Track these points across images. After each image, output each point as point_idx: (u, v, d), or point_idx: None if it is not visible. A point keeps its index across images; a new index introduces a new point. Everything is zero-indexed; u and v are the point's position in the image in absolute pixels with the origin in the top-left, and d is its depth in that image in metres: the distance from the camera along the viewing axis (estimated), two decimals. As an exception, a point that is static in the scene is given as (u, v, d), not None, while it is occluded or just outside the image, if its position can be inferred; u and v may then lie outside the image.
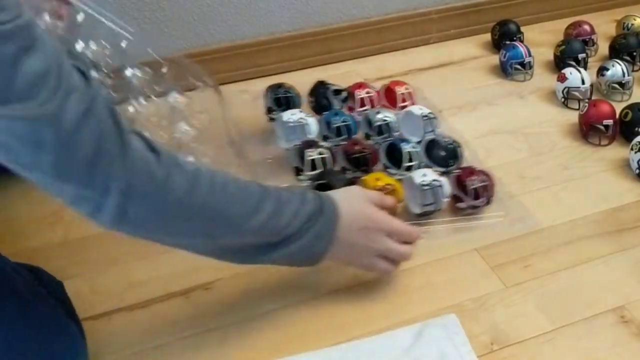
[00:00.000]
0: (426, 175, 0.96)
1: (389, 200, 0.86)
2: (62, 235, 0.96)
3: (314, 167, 0.99)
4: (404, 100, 1.16)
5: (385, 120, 1.08)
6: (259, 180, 0.90)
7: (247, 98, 1.22)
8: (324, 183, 0.95)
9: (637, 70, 1.35)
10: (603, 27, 1.49)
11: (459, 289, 0.87)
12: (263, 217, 0.71)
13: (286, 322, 0.83)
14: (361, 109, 1.14)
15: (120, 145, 0.59)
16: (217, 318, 0.84)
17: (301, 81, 1.28)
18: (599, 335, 0.81)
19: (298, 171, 1.02)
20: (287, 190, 0.77)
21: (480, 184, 0.96)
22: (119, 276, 0.89)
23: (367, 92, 1.16)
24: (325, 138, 1.08)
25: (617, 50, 1.37)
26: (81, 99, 0.56)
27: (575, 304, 0.85)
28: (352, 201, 0.80)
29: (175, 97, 0.99)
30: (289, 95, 1.15)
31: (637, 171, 1.07)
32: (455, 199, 0.97)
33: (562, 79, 1.26)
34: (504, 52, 1.35)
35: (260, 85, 1.22)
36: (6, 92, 0.51)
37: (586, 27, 1.43)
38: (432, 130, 1.07)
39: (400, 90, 1.17)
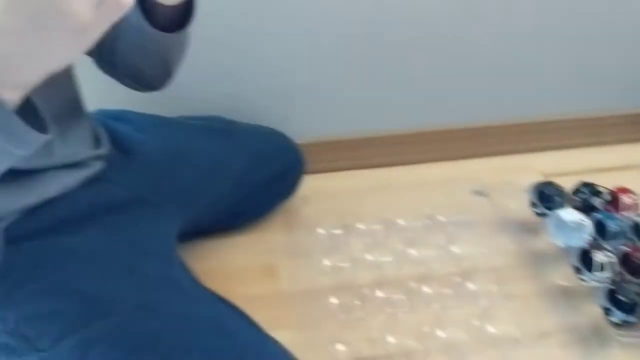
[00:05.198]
0: None
1: None
2: (274, 287, 1.07)
3: (599, 269, 1.00)
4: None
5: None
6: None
7: (508, 190, 1.31)
8: (614, 289, 0.96)
9: None
10: None
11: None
12: None
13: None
14: (625, 213, 1.15)
15: None
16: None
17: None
18: None
19: (578, 270, 1.04)
20: None
21: None
22: (326, 333, 0.97)
23: (632, 197, 1.17)
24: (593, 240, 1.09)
25: None
26: None
27: None
28: None
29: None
30: (556, 193, 1.18)
31: None
32: None
33: None
34: None
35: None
36: None
37: None
38: None
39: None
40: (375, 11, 1.20)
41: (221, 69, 1.23)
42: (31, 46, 0.45)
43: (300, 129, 1.25)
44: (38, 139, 0.52)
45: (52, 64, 0.48)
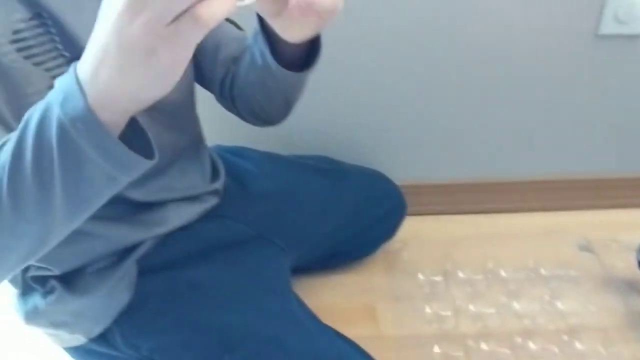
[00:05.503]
0: None
1: None
2: (375, 329, 1.08)
3: None
4: None
5: None
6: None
7: (615, 247, 1.29)
8: None
9: None
10: None
11: None
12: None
13: None
14: None
15: None
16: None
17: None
18: None
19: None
20: None
21: None
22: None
23: None
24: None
25: None
26: None
27: None
28: None
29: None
30: None
31: None
32: None
33: None
34: None
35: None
36: None
37: None
38: None
39: None
40: (486, 58, 1.21)
41: (326, 111, 1.26)
42: (106, 66, 0.44)
43: (402, 172, 1.26)
44: (141, 164, 0.49)
45: (134, 87, 0.45)
